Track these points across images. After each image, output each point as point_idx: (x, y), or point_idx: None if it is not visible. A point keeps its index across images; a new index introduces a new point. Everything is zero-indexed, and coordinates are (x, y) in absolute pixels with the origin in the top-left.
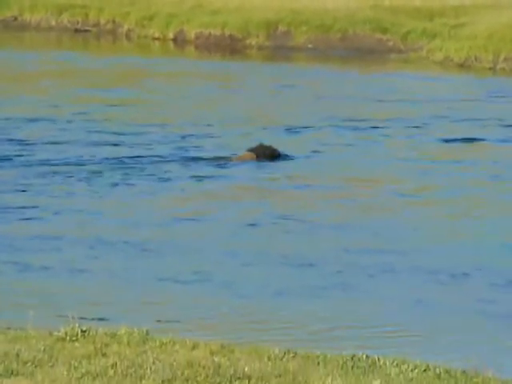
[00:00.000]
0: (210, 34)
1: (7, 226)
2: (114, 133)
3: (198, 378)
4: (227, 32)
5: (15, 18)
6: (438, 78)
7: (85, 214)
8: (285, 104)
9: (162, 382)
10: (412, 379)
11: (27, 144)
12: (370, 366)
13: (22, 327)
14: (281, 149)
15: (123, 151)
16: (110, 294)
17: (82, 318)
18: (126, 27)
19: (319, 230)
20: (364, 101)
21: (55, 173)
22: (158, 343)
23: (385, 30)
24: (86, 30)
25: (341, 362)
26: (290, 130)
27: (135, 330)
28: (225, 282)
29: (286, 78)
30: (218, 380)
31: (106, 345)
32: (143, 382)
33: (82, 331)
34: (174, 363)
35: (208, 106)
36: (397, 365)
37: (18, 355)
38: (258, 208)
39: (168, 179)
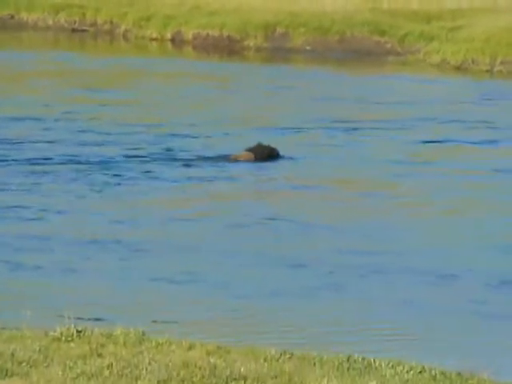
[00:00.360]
0: (207, 34)
1: None
2: (109, 133)
3: (194, 379)
4: (225, 33)
5: (12, 17)
6: (434, 80)
7: (78, 213)
8: (281, 105)
9: (158, 382)
10: (407, 381)
11: (16, 143)
12: (365, 368)
13: (18, 327)
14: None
15: (117, 151)
16: (106, 294)
17: (77, 318)
18: (123, 27)
19: (313, 231)
20: (360, 103)
21: (46, 172)
22: (153, 344)
23: (382, 33)
24: (83, 30)
25: (337, 364)
26: (285, 131)
27: (131, 330)
28: (220, 282)
29: (283, 79)
30: (213, 381)
31: (102, 345)
32: (139, 382)
33: (77, 331)
34: (170, 364)
35: (205, 106)
36: (392, 366)
37: (13, 355)
38: (253, 208)
39: (164, 179)
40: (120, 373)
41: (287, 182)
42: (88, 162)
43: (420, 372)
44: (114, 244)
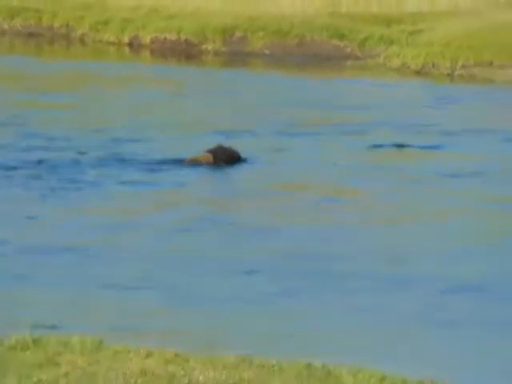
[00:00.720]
0: (165, 38)
1: None
2: (57, 137)
3: None
4: (183, 37)
5: None
6: (393, 84)
7: (26, 219)
8: (238, 109)
9: None
10: None
11: None
12: (325, 376)
13: None
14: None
15: (66, 155)
16: (61, 301)
17: (33, 326)
18: (80, 31)
19: (267, 236)
20: (317, 107)
21: None
22: (111, 352)
23: (342, 37)
24: (39, 34)
25: (296, 371)
26: (241, 134)
27: (88, 338)
28: (175, 289)
29: (241, 83)
30: None
31: (59, 353)
32: None
33: (33, 340)
34: (128, 372)
35: (160, 110)
36: (353, 374)
37: None
38: (201, 214)
39: (116, 184)
40: (77, 381)
41: (241, 186)
42: (26, 167)
43: (380, 380)
44: (65, 251)
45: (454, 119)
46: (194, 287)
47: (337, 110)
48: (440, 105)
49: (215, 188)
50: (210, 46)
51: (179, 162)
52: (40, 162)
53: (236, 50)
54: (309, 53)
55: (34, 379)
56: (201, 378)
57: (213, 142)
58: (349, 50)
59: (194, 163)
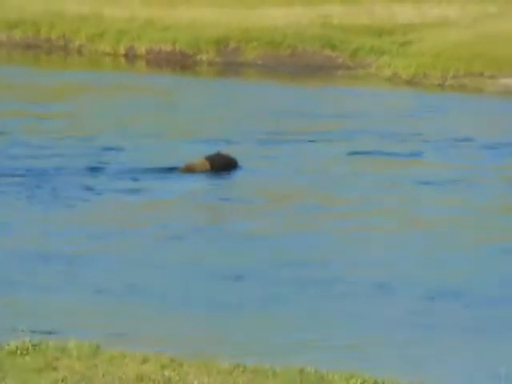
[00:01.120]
0: (160, 49)
1: None
2: (52, 146)
3: None
4: (178, 48)
5: None
6: (382, 94)
7: (14, 226)
8: (227, 118)
9: None
10: None
11: None
12: (318, 381)
13: None
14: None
15: (59, 164)
16: (56, 307)
17: (32, 332)
18: (77, 43)
19: (252, 243)
20: (306, 116)
21: None
22: (107, 356)
23: (334, 47)
24: (37, 46)
25: (289, 377)
26: (234, 143)
27: (85, 343)
28: (165, 295)
29: (232, 93)
30: None
31: (57, 358)
32: None
33: (32, 345)
34: (124, 377)
35: (150, 119)
36: (345, 379)
37: None
38: (194, 221)
39: (109, 191)
40: None
41: (234, 193)
42: (16, 175)
43: None
44: (55, 257)
45: (438, 128)
46: (186, 293)
47: (326, 119)
48: (427, 114)
49: (209, 195)
50: (204, 57)
51: (175, 169)
52: (28, 170)
53: (230, 60)
54: (301, 63)
55: None
56: (195, 382)
57: (206, 150)
58: (340, 60)
59: (191, 170)
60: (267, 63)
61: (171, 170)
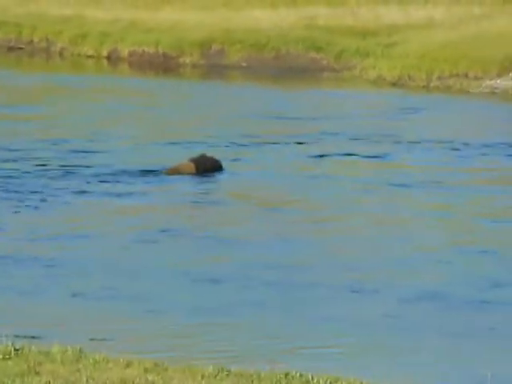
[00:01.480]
0: (143, 51)
1: None
2: (30, 148)
3: None
4: (161, 50)
5: None
6: (366, 95)
7: None
8: (208, 121)
9: None
10: None
11: None
12: None
13: None
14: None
15: (39, 166)
16: (39, 312)
17: (15, 336)
18: (59, 45)
19: (233, 247)
20: (287, 118)
21: None
22: (91, 361)
23: (318, 49)
24: (19, 48)
25: (275, 380)
26: (213, 145)
27: (68, 348)
28: (142, 299)
29: (215, 95)
30: None
31: (40, 363)
32: None
33: (15, 349)
34: (108, 381)
35: (130, 121)
36: (330, 383)
37: None
38: (177, 224)
39: (92, 194)
40: None
41: (213, 197)
42: (3, 178)
43: None
44: (33, 261)
45: (419, 130)
46: (167, 297)
47: (309, 122)
48: (409, 116)
49: (194, 198)
50: (187, 59)
51: (158, 172)
52: (2, 172)
53: (213, 62)
54: (285, 65)
55: None
56: None
57: (189, 152)
58: (325, 62)
59: (177, 172)
60: (251, 65)
61: (154, 172)
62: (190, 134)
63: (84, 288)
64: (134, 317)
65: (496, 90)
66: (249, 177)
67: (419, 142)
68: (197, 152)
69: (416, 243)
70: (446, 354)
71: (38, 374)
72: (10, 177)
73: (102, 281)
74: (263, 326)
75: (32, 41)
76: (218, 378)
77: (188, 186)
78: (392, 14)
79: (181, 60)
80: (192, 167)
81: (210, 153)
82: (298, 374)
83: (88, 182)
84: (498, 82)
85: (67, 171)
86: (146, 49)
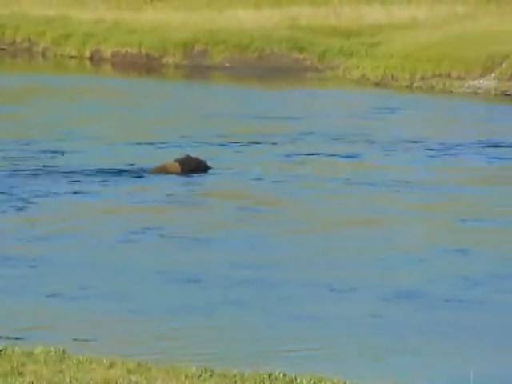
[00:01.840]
0: (126, 52)
1: None
2: (10, 148)
3: None
4: (144, 50)
5: None
6: (348, 95)
7: None
8: (189, 121)
9: None
10: None
11: None
12: None
13: None
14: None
15: (20, 166)
16: (21, 312)
17: None
18: (41, 46)
19: (215, 247)
20: (269, 118)
21: None
22: (74, 362)
23: (301, 49)
24: (1, 49)
25: (258, 381)
26: (194, 144)
27: (52, 348)
28: (124, 298)
29: (198, 96)
30: None
31: (23, 364)
32: None
33: None
34: (91, 382)
35: (111, 121)
36: (314, 383)
37: None
38: (159, 223)
39: (75, 193)
40: None
41: (192, 196)
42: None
43: None
44: (14, 261)
45: (398, 130)
46: (149, 297)
47: (291, 121)
48: (389, 116)
49: (178, 198)
50: (170, 60)
51: (144, 172)
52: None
53: (196, 63)
54: (268, 66)
55: None
56: None
57: (172, 153)
58: (308, 62)
59: (162, 172)
60: (234, 66)
61: (138, 172)
62: (173, 135)
63: (67, 288)
64: (118, 317)
65: (479, 90)
66: (232, 177)
67: (399, 142)
68: (180, 152)
69: (396, 243)
70: (428, 353)
71: (21, 374)
72: None
73: (86, 281)
74: (246, 326)
75: (14, 41)
76: (201, 378)
77: (172, 185)
78: (375, 14)
79: (164, 60)
80: (177, 167)
81: (193, 153)
82: (281, 375)
83: (72, 182)
84: (481, 82)
85: (49, 171)
86: (129, 49)
